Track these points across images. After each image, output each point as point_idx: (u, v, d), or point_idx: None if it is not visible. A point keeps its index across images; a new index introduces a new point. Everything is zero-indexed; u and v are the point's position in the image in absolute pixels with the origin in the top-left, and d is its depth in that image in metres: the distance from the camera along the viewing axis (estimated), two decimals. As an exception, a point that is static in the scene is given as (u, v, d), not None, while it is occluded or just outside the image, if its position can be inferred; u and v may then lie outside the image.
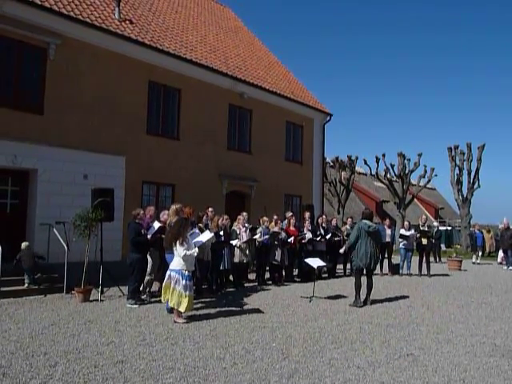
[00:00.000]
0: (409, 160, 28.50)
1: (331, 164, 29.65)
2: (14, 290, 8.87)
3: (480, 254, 20.33)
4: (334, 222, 14.19)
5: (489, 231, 22.74)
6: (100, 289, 9.10)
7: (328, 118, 19.89)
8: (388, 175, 28.47)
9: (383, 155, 28.15)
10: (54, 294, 9.25)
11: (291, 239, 11.77)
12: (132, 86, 12.57)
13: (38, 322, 6.87)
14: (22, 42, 10.39)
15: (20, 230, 10.54)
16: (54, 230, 9.93)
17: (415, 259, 14.45)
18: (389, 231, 14.53)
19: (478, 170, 27.81)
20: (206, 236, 7.80)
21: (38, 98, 10.73)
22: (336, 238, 13.13)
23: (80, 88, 11.41)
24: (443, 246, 25.52)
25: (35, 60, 10.70)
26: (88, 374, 4.69)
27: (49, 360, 5.11)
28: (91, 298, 8.80)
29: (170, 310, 7.35)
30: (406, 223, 15.03)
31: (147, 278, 8.98)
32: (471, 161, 27.97)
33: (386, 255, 14.50)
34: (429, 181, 30.23)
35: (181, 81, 13.88)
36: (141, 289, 8.88)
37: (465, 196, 27.84)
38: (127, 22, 13.16)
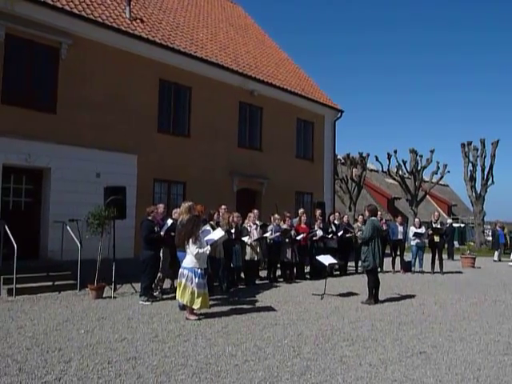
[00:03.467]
0: (421, 156, 28.30)
1: (342, 161, 29.54)
2: (29, 287, 8.99)
3: (501, 251, 20.14)
4: (345, 219, 14.16)
5: (503, 228, 22.50)
6: (113, 286, 9.19)
7: (339, 114, 19.80)
8: (400, 172, 28.30)
9: (395, 152, 27.99)
10: (68, 290, 9.37)
11: (301, 237, 11.75)
12: (143, 84, 12.64)
13: (53, 319, 6.97)
14: (33, 41, 10.50)
15: (34, 227, 10.68)
16: (68, 227, 10.04)
17: (427, 257, 14.35)
18: (401, 228, 14.44)
19: (491, 166, 27.50)
20: (218, 234, 7.82)
21: (51, 98, 10.84)
22: (348, 235, 13.09)
23: (92, 87, 11.51)
24: (456, 244, 25.29)
25: (47, 60, 10.81)
26: (102, 370, 4.75)
27: (63, 356, 5.18)
28: (104, 295, 8.89)
29: (182, 307, 7.40)
30: (416, 220, 14.92)
31: (159, 275, 9.05)
32: (485, 157, 27.67)
33: (399, 252, 14.42)
34: (441, 177, 29.99)
35: (191, 79, 13.92)
36: (153, 286, 8.95)
37: (478, 193, 27.55)
38: (138, 20, 13.22)
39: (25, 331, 6.21)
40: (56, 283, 9.41)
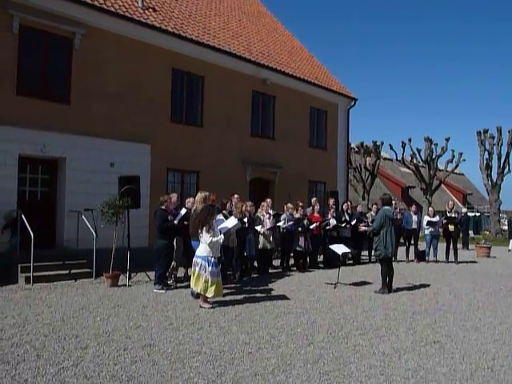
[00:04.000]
0: (436, 145, 27.97)
1: (356, 149, 29.32)
2: (45, 275, 9.14)
3: None
4: (358, 208, 14.10)
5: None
6: (128, 274, 9.31)
7: (353, 102, 19.60)
8: (414, 160, 28.02)
9: (409, 140, 27.70)
10: (84, 279, 9.51)
11: (314, 226, 11.74)
12: (156, 73, 12.64)
13: (69, 306, 7.09)
14: (47, 32, 10.54)
15: (50, 217, 10.83)
16: (83, 216, 10.15)
17: (442, 246, 14.25)
18: (415, 217, 14.34)
19: (508, 154, 27.06)
20: (232, 222, 7.84)
21: (65, 88, 10.91)
22: (362, 228, 13.04)
23: (105, 77, 11.54)
24: (471, 233, 25.05)
25: (61, 50, 10.85)
26: (117, 357, 4.83)
27: (80, 343, 5.27)
28: (119, 283, 9.01)
29: (197, 296, 7.47)
30: (430, 209, 14.78)
31: (173, 263, 9.13)
32: (501, 145, 27.22)
33: (413, 242, 14.33)
34: (456, 166, 29.63)
35: (204, 68, 13.88)
36: (167, 274, 9.04)
37: (494, 181, 27.17)
38: (150, 9, 13.18)
39: (42, 318, 6.33)
40: (72, 271, 9.56)
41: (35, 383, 4.13)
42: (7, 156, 9.83)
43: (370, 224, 12.34)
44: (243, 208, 10.11)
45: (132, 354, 4.95)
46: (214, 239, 7.09)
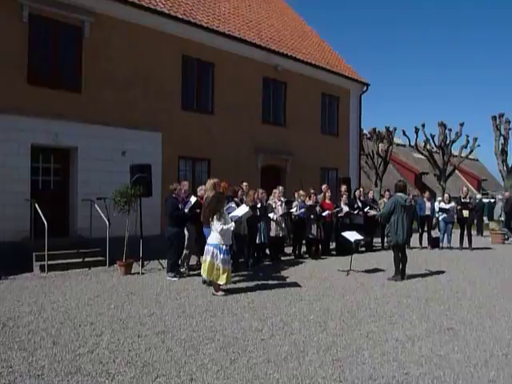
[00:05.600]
0: (450, 130, 27.56)
1: (368, 136, 29.05)
2: (60, 263, 9.27)
3: None
4: (370, 195, 14.01)
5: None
6: (141, 262, 9.40)
7: (365, 88, 19.40)
8: (428, 146, 27.67)
9: (423, 125, 27.32)
10: (98, 267, 9.63)
11: (327, 213, 11.71)
12: (166, 61, 12.60)
13: (84, 294, 7.19)
14: (57, 21, 10.53)
15: (63, 205, 10.95)
16: (96, 205, 10.24)
17: (456, 232, 14.13)
18: (428, 204, 14.22)
19: (524, 139, 26.55)
20: (243, 210, 7.86)
21: (76, 76, 10.93)
22: (369, 212, 12.98)
23: (115, 65, 11.54)
24: (486, 219, 24.78)
25: (71, 39, 10.85)
26: (132, 344, 4.90)
27: (95, 330, 5.36)
28: (132, 271, 9.11)
29: (209, 283, 7.52)
30: (445, 196, 14.65)
31: (185, 251, 9.19)
32: (517, 130, 26.71)
33: (426, 228, 14.24)
34: (471, 151, 29.19)
35: (214, 54, 13.80)
36: (179, 262, 9.11)
37: (510, 167, 26.76)
38: (159, -4, 13.10)
39: (58, 306, 6.43)
40: (86, 260, 9.68)
41: (52, 369, 4.21)
42: (20, 145, 9.92)
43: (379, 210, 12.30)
44: (255, 195, 10.10)
45: (146, 340, 5.01)
46: (225, 227, 7.11)
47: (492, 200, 31.64)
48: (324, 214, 11.67)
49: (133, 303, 6.66)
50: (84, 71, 11.03)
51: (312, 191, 12.18)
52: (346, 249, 11.44)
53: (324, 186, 13.09)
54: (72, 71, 10.91)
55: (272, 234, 10.80)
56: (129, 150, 11.50)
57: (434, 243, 14.11)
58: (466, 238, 13.90)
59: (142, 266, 9.43)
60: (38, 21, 10.27)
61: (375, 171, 27.39)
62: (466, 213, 13.92)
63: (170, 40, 12.69)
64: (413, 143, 28.30)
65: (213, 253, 7.11)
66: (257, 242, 10.21)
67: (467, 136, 28.03)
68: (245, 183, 10.62)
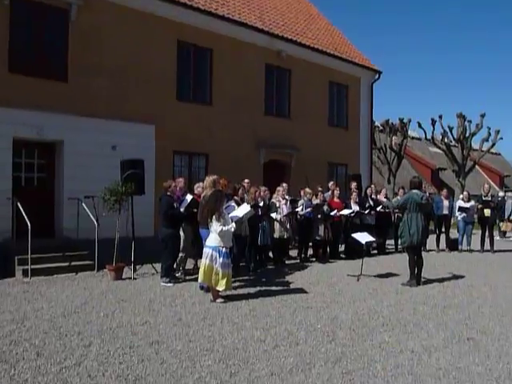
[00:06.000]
0: (470, 122, 27.52)
1: (381, 128, 29.02)
2: (44, 267, 9.27)
3: None
4: (382, 193, 13.98)
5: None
6: (132, 266, 9.40)
7: (377, 76, 19.36)
8: (445, 139, 27.64)
9: (440, 117, 27.28)
10: (86, 271, 9.62)
11: (335, 213, 11.70)
12: (160, 47, 12.59)
13: (71, 301, 7.19)
14: (41, 3, 10.52)
15: (48, 204, 10.95)
16: (83, 204, 10.23)
17: (477, 234, 14.10)
18: (446, 202, 14.19)
19: (551, 131, 26.53)
20: (244, 209, 7.84)
21: (62, 64, 10.93)
22: (386, 210, 12.98)
23: (104, 52, 11.54)
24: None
25: (57, 23, 10.85)
26: (123, 355, 4.89)
27: (83, 340, 5.35)
28: (124, 276, 9.11)
29: (207, 289, 7.52)
30: (464, 193, 14.63)
31: (180, 254, 9.19)
32: (543, 121, 26.69)
33: (443, 229, 14.22)
34: (493, 145, 29.16)
35: (212, 39, 13.78)
36: (175, 266, 9.11)
37: (535, 161, 26.73)
38: (153, -24, 13.08)
39: (42, 314, 6.43)
40: (73, 264, 9.68)
41: (36, 383, 4.20)
42: (1, 139, 9.91)
43: (397, 210, 12.28)
44: (256, 194, 10.09)
45: (139, 352, 5.01)
46: (225, 228, 7.10)
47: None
48: (332, 214, 11.65)
49: (124, 311, 6.66)
50: (71, 59, 11.03)
51: (320, 189, 12.16)
52: (357, 251, 11.43)
53: (330, 183, 13.05)
54: (58, 59, 10.90)
55: (276, 235, 10.80)
56: (119, 144, 11.50)
57: (453, 245, 14.09)
58: (487, 240, 13.87)
59: (134, 271, 9.43)
60: (21, 3, 10.26)
61: (388, 167, 27.36)
62: (487, 212, 13.90)
63: (165, 24, 12.67)
64: (429, 136, 28.27)
65: (211, 256, 7.10)
66: (259, 243, 10.20)
67: (489, 128, 28.02)
68: (246, 180, 10.62)
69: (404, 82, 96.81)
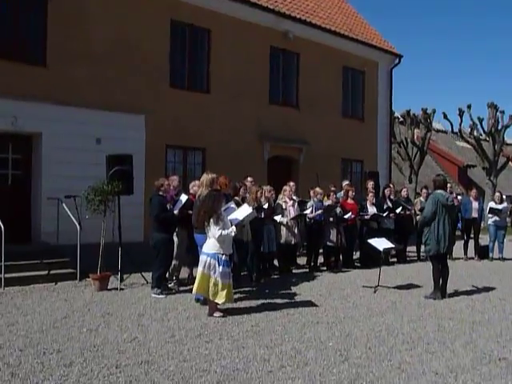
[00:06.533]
0: (502, 112, 27.48)
1: (401, 120, 29.01)
2: (20, 276, 9.29)
3: None
4: (404, 193, 13.97)
5: None
6: (119, 275, 9.41)
7: (397, 60, 19.35)
8: (475, 132, 27.61)
9: (469, 107, 27.25)
10: (66, 281, 9.63)
11: (349, 215, 11.69)
12: (151, 27, 12.60)
13: (50, 315, 7.19)
14: (17, -23, 10.56)
15: (24, 205, 10.98)
16: (64, 205, 10.26)
17: (510, 239, 14.08)
18: (475, 204, 14.17)
19: None
20: (244, 211, 7.82)
21: (40, 48, 10.97)
22: (406, 212, 12.97)
23: (89, 33, 11.56)
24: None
25: (34, 1, 10.86)
26: (108, 376, 4.89)
27: (63, 358, 5.36)
28: (109, 287, 9.12)
29: (204, 301, 7.52)
30: (496, 194, 14.61)
31: (174, 262, 9.20)
32: None
33: (472, 235, 14.19)
34: (529, 139, 29.10)
35: (210, 19, 13.80)
36: (167, 275, 9.12)
37: None
38: None
39: (17, 329, 6.43)
40: (52, 272, 9.69)
41: (10, 407, 4.21)
42: (-29, 131, 9.96)
43: (419, 212, 12.26)
44: (258, 194, 10.07)
45: (126, 372, 5.01)
46: (224, 232, 7.09)
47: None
48: (346, 217, 11.64)
49: (109, 326, 6.66)
50: (50, 41, 11.05)
51: (332, 188, 12.15)
52: (373, 259, 11.42)
53: (345, 182, 13.02)
54: (36, 41, 10.93)
55: (282, 240, 10.79)
56: (105, 137, 11.53)
57: (483, 253, 14.06)
58: (522, 247, 13.86)
59: (121, 281, 9.44)
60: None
61: (409, 163, 27.35)
62: (522, 215, 13.87)
63: (156, 2, 12.69)
64: (456, 129, 28.25)
65: (209, 264, 7.09)
66: (263, 250, 10.20)
67: (524, 120, 27.94)
68: (249, 178, 10.61)
69: (428, 68, 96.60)
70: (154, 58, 12.71)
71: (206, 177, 8.15)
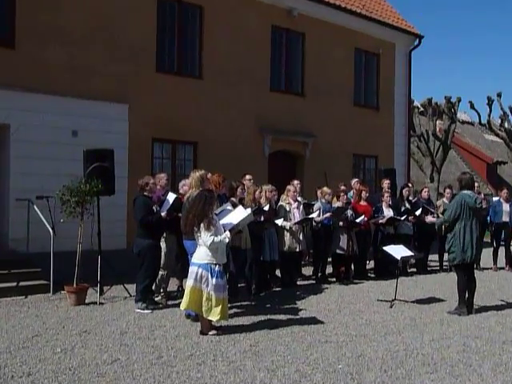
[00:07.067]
0: (538, 101, 27.45)
1: (421, 109, 29.01)
2: (-16, 288, 9.31)
3: None
4: (424, 194, 13.95)
5: None
6: (99, 288, 9.39)
7: (416, 41, 19.34)
8: (506, 124, 27.63)
9: (499, 95, 27.29)
10: (38, 294, 9.62)
11: (361, 219, 11.68)
12: (135, 4, 12.60)
13: (19, 333, 7.17)
14: None
15: (-11, 207, 10.98)
16: (35, 207, 10.24)
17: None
18: (506, 206, 14.15)
19: None
20: (240, 214, 7.79)
21: (7, 26, 10.96)
22: (430, 218, 12.94)
23: (65, 11, 11.54)
24: None
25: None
26: (86, 403, 4.89)
27: (34, 383, 5.34)
28: (87, 301, 9.11)
29: (195, 317, 7.51)
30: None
31: (161, 272, 9.19)
32: None
33: (503, 241, 14.18)
34: None
35: (203, -6, 13.82)
36: (153, 288, 9.11)
37: None
38: None
39: (-18, 349, 6.44)
40: (21, 284, 9.68)
41: None
42: None
43: (441, 215, 12.24)
44: (258, 194, 10.06)
45: (106, 398, 5.00)
46: (217, 239, 7.06)
47: None
48: (358, 221, 11.63)
49: (87, 346, 6.65)
50: (19, 19, 11.04)
51: (343, 188, 12.14)
52: (389, 269, 11.42)
53: (353, 181, 13.00)
54: (2, 19, 10.91)
55: (285, 248, 10.78)
56: (82, 129, 11.54)
57: (515, 262, 14.08)
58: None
59: (101, 294, 9.43)
60: None
61: (431, 160, 27.36)
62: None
63: (141, -26, 12.72)
64: (484, 120, 28.26)
65: (201, 276, 7.06)
66: (263, 259, 10.19)
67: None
68: (247, 176, 10.62)
69: (452, 50, 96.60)
70: (139, 39, 12.69)
71: (193, 175, 8.13)
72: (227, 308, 7.36)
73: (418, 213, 12.61)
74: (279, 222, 10.56)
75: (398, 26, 18.75)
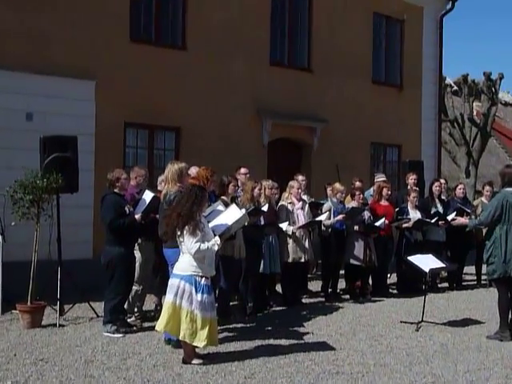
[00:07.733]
0: None
1: (455, 88, 29.02)
2: None
3: None
4: (459, 192, 13.95)
5: None
6: (58, 306, 9.37)
7: (449, 5, 19.33)
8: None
9: (550, 71, 27.23)
10: (-16, 314, 9.63)
11: (381, 222, 11.67)
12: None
13: (-41, 361, 7.17)
14: None
15: None
16: (-19, 207, 10.24)
17: None
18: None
19: None
20: (233, 215, 7.79)
21: None
22: (461, 219, 12.94)
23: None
24: None
25: None
26: None
27: (-22, 424, 5.34)
28: (44, 322, 9.09)
29: (177, 343, 7.49)
30: None
31: (135, 288, 9.18)
32: None
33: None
34: None
35: None
36: (126, 306, 9.09)
37: None
38: None
39: None
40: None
41: None
42: None
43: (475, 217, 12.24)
44: (256, 191, 10.05)
45: None
46: (204, 246, 7.05)
47: None
48: (377, 225, 11.63)
49: (44, 377, 6.62)
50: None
51: (357, 184, 12.14)
52: (415, 285, 11.42)
53: (380, 178, 13.00)
54: None
55: (288, 258, 10.77)
56: (39, 111, 11.54)
57: None
58: None
59: (61, 314, 9.41)
60: None
61: (466, 150, 27.35)
62: None
63: None
64: (532, 102, 28.24)
65: (183, 291, 7.05)
66: (261, 271, 10.19)
67: None
68: (242, 170, 10.63)
69: (492, 16, 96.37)
70: (110, 2, 12.69)
71: (171, 167, 8.14)
72: (216, 331, 7.36)
73: (451, 217, 12.45)
74: (284, 226, 10.53)
75: (426, -14, 18.80)
